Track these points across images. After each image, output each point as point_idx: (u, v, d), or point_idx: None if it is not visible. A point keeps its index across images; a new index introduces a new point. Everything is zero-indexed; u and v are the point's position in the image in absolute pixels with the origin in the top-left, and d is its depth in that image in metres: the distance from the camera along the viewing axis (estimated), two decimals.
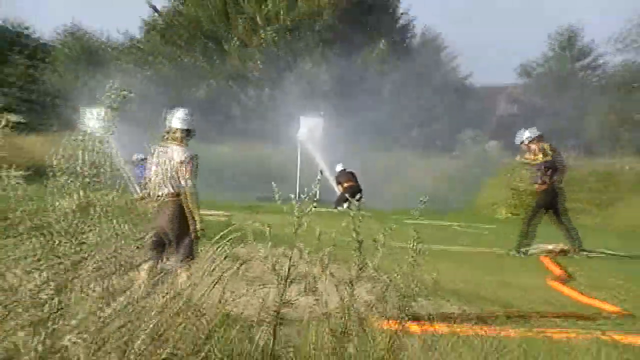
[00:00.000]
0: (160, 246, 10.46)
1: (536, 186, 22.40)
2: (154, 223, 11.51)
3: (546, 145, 22.54)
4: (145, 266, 7.60)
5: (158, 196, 12.66)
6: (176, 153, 12.94)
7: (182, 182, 12.79)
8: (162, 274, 7.55)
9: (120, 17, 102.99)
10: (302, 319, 6.17)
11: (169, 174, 12.79)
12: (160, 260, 8.83)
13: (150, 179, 13.03)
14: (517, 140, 23.42)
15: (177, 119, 13.44)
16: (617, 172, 35.35)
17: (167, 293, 6.30)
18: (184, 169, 12.81)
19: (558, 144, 44.12)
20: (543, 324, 12.70)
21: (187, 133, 13.30)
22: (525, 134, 23.20)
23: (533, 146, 22.54)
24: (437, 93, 53.98)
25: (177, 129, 13.23)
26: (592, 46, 61.35)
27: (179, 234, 12.29)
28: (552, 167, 22.28)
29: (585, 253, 21.44)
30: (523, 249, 21.38)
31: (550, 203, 22.13)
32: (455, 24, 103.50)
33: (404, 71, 53.34)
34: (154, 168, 13.05)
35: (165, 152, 12.99)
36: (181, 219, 12.63)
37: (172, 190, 12.81)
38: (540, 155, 22.25)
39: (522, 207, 27.21)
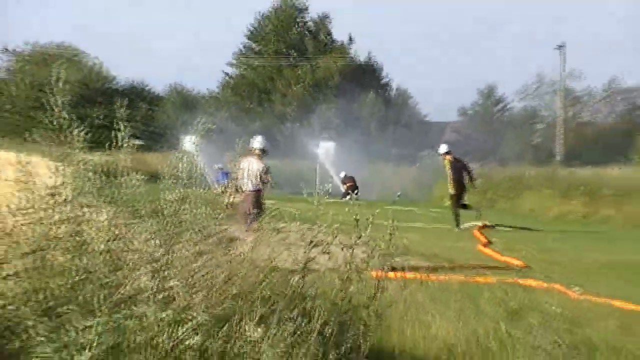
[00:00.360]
0: (246, 221, 11.26)
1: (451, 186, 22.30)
2: (241, 208, 13.07)
3: (448, 158, 22.42)
4: (249, 237, 7.69)
5: (243, 190, 14.01)
6: (256, 164, 14.29)
7: (267, 184, 14.40)
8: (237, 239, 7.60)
9: (206, 78, 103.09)
10: (321, 270, 6.14)
11: (252, 177, 14.17)
12: (247, 229, 9.12)
13: (238, 180, 13.72)
14: (439, 151, 23.28)
15: (257, 141, 14.71)
16: (521, 176, 35.30)
17: (234, 252, 6.30)
18: (265, 175, 14.29)
19: (484, 159, 44.21)
20: (473, 273, 12.67)
21: (263, 151, 14.58)
22: (442, 148, 23.09)
23: (446, 157, 22.49)
24: (406, 126, 53.79)
25: (256, 148, 14.54)
26: (504, 97, 61.35)
27: (256, 213, 12.65)
28: (459, 171, 22.24)
29: (460, 227, 21.54)
30: (460, 225, 21.36)
31: (460, 194, 22.07)
32: (417, 79, 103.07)
33: (385, 113, 53.40)
34: (240, 173, 13.89)
35: (248, 163, 14.20)
36: (258, 204, 13.68)
37: (252, 188, 14.14)
38: (448, 170, 22.37)
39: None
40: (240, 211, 12.82)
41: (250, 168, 14.27)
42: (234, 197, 13.33)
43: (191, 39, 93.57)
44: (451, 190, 22.39)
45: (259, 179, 14.32)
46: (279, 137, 51.39)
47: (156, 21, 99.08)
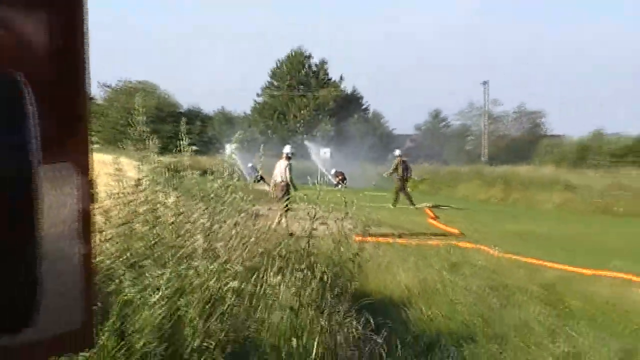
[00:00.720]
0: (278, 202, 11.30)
1: (396, 179, 22.19)
2: (275, 193, 13.47)
3: (398, 160, 22.39)
4: (278, 215, 7.74)
5: (276, 181, 14.24)
6: (284, 164, 14.42)
7: (288, 177, 14.15)
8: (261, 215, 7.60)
9: (242, 104, 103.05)
10: (320, 236, 6.14)
11: (281, 172, 14.26)
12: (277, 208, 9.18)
13: (274, 175, 14.48)
14: (394, 154, 23.51)
15: (286, 148, 15.13)
16: (458, 172, 35.31)
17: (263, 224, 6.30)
18: (288, 171, 14.20)
19: (432, 160, 44.19)
20: (426, 238, 12.67)
21: (289, 156, 14.70)
22: (396, 152, 23.40)
23: (398, 158, 22.48)
24: (378, 137, 53.58)
25: (285, 153, 14.75)
26: (446, 117, 61.11)
27: (283, 198, 12.43)
28: (404, 170, 22.05)
29: (415, 207, 21.17)
30: (395, 203, 21.21)
31: (403, 185, 21.93)
32: (389, 102, 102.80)
33: (365, 128, 53.17)
34: (276, 171, 14.48)
35: (279, 163, 14.53)
36: (285, 191, 13.60)
37: (280, 180, 14.21)
38: (395, 165, 22.36)
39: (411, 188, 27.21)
40: (274, 196, 13.18)
41: (280, 167, 14.44)
42: (273, 188, 13.76)
43: (233, 76, 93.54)
44: (385, 175, 23.26)
45: (285, 174, 14.30)
46: (293, 145, 51.12)
47: (211, 63, 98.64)
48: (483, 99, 54.81)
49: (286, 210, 11.38)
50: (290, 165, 14.46)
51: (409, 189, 22.48)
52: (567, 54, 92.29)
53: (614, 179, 25.87)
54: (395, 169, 22.18)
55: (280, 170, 14.45)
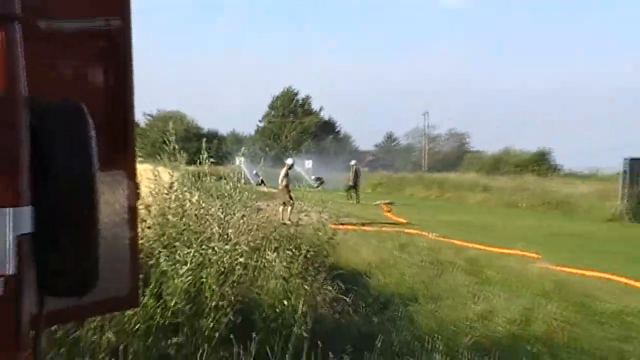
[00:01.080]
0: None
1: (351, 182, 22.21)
2: (279, 194, 12.64)
3: (354, 168, 22.49)
4: (288, 208, 7.65)
5: (280, 185, 13.15)
6: (284, 171, 13.29)
7: (282, 181, 13.05)
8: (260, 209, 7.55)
9: (247, 127, 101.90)
10: (305, 224, 6.13)
11: (282, 178, 13.12)
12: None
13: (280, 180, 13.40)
14: (351, 163, 23.42)
15: (289, 159, 14.51)
16: (406, 178, 35.45)
17: (263, 215, 6.27)
18: (285, 177, 13.05)
19: (387, 169, 44.27)
20: (381, 226, 12.70)
21: (289, 166, 13.71)
22: (352, 162, 23.54)
23: (354, 167, 22.59)
24: (348, 152, 53.24)
25: (288, 164, 13.80)
26: (398, 137, 61.24)
27: (284, 196, 12.16)
28: (356, 176, 22.15)
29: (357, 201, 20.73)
30: (358, 200, 20.74)
31: (353, 185, 21.94)
32: (356, 125, 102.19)
33: (338, 146, 53.13)
34: (280, 177, 13.33)
35: (282, 171, 13.40)
36: (287, 193, 12.42)
37: (282, 183, 13.04)
38: (354, 172, 22.33)
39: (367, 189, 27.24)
40: (279, 196, 12.76)
41: (282, 173, 13.54)
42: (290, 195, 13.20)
43: (242, 108, 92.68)
44: (350, 182, 22.43)
45: (282, 179, 13.45)
46: (283, 159, 50.73)
47: (226, 91, 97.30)
48: (424, 124, 55.42)
49: (289, 205, 11.26)
50: (287, 173, 13.91)
51: (360, 191, 22.37)
52: (486, 87, 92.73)
53: (519, 183, 26.16)
54: (355, 175, 22.29)
55: (281, 176, 14.04)
